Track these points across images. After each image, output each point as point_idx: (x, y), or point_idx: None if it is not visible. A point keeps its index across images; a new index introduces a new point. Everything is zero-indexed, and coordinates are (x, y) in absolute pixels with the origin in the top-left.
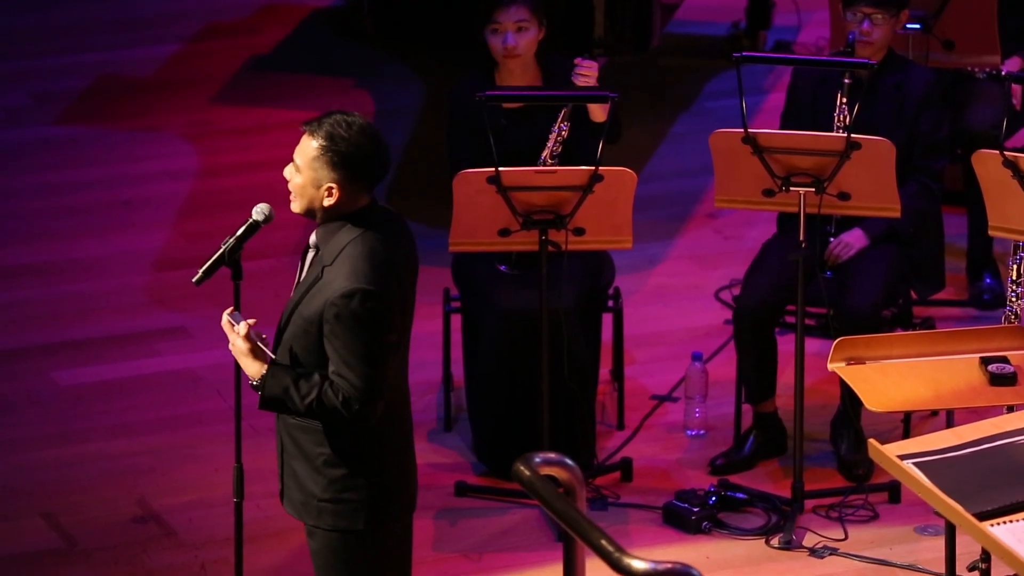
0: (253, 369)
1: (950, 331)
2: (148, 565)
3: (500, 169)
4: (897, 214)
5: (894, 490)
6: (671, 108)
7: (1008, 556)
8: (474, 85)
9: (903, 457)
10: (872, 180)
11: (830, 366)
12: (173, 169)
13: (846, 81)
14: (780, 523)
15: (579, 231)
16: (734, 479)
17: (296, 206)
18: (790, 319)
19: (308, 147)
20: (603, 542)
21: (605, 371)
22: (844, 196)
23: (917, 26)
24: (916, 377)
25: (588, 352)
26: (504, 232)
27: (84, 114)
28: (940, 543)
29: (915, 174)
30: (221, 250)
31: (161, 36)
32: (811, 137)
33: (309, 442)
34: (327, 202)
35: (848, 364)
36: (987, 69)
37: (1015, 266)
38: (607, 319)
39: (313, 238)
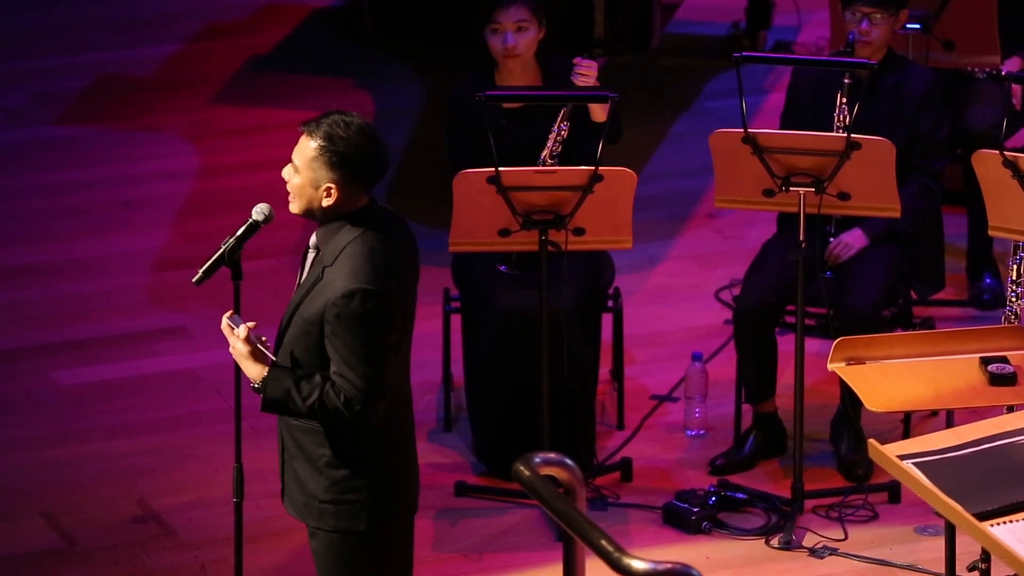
0: (254, 372)
1: (950, 331)
2: (148, 565)
3: (500, 169)
4: (897, 214)
5: (894, 490)
6: (671, 108)
7: (1008, 556)
8: (474, 85)
9: (903, 457)
10: (872, 180)
11: (830, 366)
12: (173, 169)
13: (846, 81)
14: (780, 523)
15: (579, 231)
16: (734, 479)
17: (295, 207)
18: (790, 319)
19: (306, 147)
20: (603, 542)
21: (605, 371)
22: (844, 196)
23: (917, 26)
24: (916, 377)
25: (588, 352)
26: (504, 232)
27: (84, 114)
28: (940, 543)
29: (915, 174)
30: (221, 250)
31: (161, 36)
32: (811, 137)
33: (311, 443)
34: (326, 202)
35: (848, 364)
36: (987, 69)
37: (1015, 266)
38: (607, 319)
39: (313, 239)
